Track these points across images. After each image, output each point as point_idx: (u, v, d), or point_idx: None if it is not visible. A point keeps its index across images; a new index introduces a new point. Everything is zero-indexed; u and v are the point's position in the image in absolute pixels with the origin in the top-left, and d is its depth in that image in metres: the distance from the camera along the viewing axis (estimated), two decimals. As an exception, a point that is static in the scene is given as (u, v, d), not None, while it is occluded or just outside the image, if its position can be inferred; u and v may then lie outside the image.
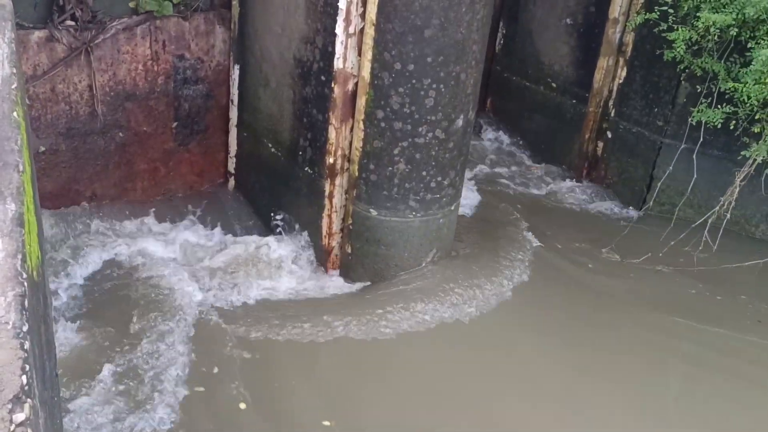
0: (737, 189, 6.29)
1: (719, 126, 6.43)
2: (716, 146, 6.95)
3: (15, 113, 2.78)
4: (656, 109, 7.28)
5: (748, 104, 6.07)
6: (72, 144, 6.25)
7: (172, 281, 5.80)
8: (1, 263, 2.32)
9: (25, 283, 2.34)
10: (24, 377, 2.13)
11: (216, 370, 5.11)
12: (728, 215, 6.33)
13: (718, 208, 6.40)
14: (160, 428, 4.61)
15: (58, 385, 3.74)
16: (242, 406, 4.87)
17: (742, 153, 6.27)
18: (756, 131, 6.23)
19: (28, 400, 2.10)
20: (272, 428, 4.80)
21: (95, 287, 5.83)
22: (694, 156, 6.87)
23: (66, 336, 5.23)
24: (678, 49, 6.36)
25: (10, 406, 2.06)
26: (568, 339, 5.65)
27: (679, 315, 5.96)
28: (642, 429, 4.98)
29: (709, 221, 6.36)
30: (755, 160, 6.15)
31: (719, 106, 6.40)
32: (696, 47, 6.49)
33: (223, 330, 5.45)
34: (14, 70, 2.97)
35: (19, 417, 2.06)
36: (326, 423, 4.80)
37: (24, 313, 2.26)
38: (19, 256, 2.37)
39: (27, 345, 2.20)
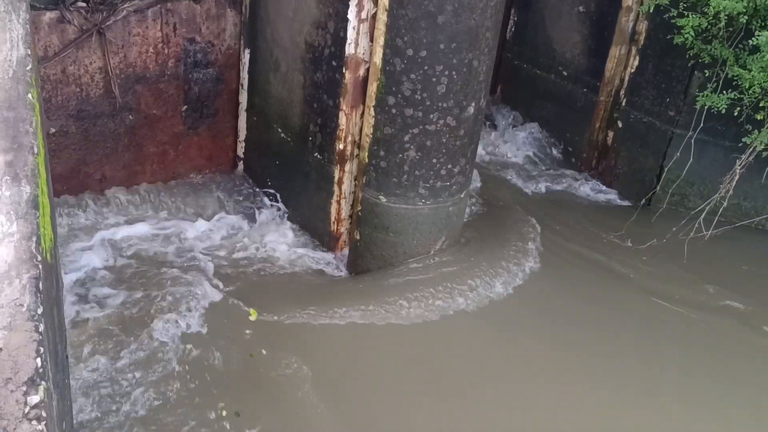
0: (737, 176, 6.27)
1: (723, 112, 6.39)
2: (727, 137, 6.92)
3: (30, 95, 2.77)
4: (668, 99, 7.24)
5: (751, 91, 6.06)
6: (82, 126, 6.24)
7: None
8: (16, 245, 2.33)
9: (40, 266, 2.34)
10: (38, 360, 2.14)
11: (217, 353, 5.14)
12: (725, 203, 6.31)
13: (717, 195, 6.38)
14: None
15: (68, 366, 3.76)
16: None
17: (743, 140, 6.25)
18: (759, 118, 6.20)
19: (42, 382, 2.11)
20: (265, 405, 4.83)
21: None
22: (705, 146, 6.84)
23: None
24: (687, 35, 6.32)
25: (24, 388, 2.07)
26: (581, 327, 5.64)
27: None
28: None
29: (706, 209, 6.34)
30: (755, 147, 6.13)
31: (724, 92, 6.37)
32: (706, 34, 6.44)
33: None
34: (29, 52, 2.96)
35: (34, 399, 2.07)
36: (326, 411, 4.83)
37: (38, 295, 2.27)
38: (34, 239, 2.38)
39: (41, 328, 2.21)
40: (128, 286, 5.64)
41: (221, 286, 5.72)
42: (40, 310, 2.23)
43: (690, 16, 6.31)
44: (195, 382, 4.86)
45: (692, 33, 6.28)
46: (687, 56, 6.69)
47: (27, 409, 2.04)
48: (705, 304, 6.07)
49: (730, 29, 6.30)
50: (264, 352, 5.16)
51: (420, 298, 5.67)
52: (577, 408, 5.00)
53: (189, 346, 5.08)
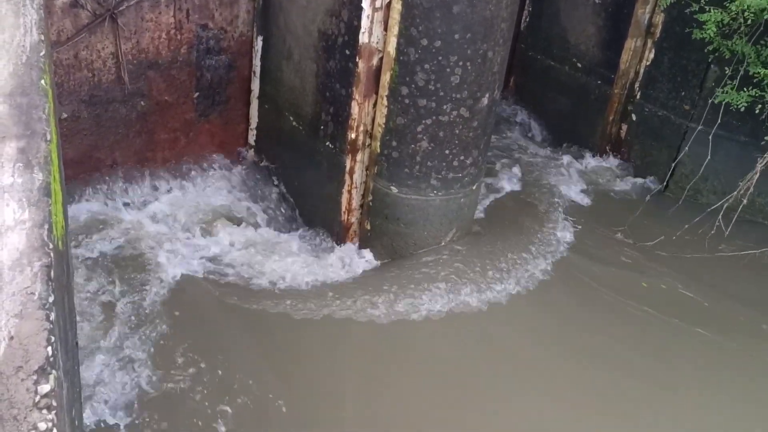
0: (757, 175, 6.20)
1: (743, 109, 6.33)
2: (743, 131, 6.86)
3: (43, 81, 2.75)
4: (683, 93, 7.17)
5: None
6: (94, 111, 6.22)
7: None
8: (28, 233, 2.31)
9: (51, 254, 2.33)
10: (49, 349, 2.13)
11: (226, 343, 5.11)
12: (744, 201, 6.24)
13: (735, 193, 6.31)
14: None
15: (78, 354, 3.76)
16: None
17: (766, 138, 6.18)
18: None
19: (53, 371, 2.10)
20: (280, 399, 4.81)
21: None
22: (720, 141, 6.78)
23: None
24: (709, 31, 6.24)
25: (35, 377, 2.06)
26: (593, 326, 5.59)
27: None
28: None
29: (724, 207, 6.26)
30: None
31: (745, 89, 6.30)
32: (726, 30, 6.37)
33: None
34: (42, 37, 2.94)
35: (44, 388, 2.06)
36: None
37: (50, 283, 2.26)
38: (46, 226, 2.36)
39: (52, 316, 2.20)
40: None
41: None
42: (51, 299, 2.21)
43: (712, 11, 6.24)
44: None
45: (714, 28, 6.21)
46: (705, 51, 6.62)
47: (37, 398, 2.03)
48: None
49: (749, 24, 6.22)
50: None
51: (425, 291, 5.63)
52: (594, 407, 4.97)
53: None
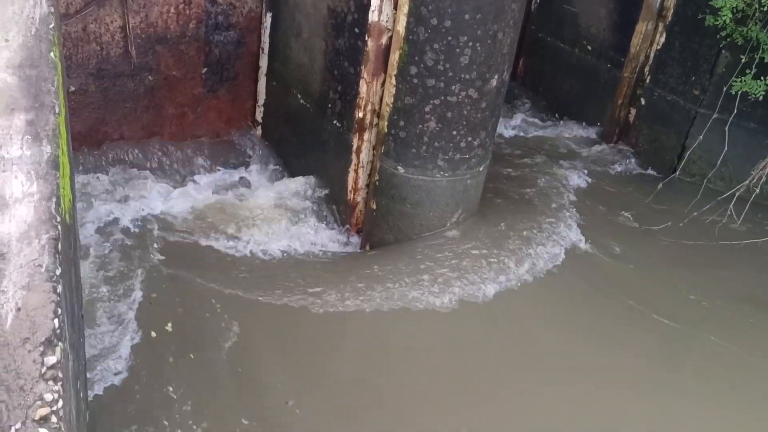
0: None
1: (761, 98, 6.28)
2: (753, 118, 6.82)
3: (52, 53, 2.74)
4: (693, 78, 7.13)
5: None
6: (102, 85, 6.22)
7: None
8: (36, 206, 2.32)
9: (59, 227, 2.34)
10: (56, 321, 2.14)
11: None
12: (757, 189, 6.21)
13: (748, 181, 6.28)
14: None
15: (83, 327, 3.78)
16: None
17: None
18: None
19: (59, 343, 2.12)
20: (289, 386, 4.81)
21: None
22: (730, 127, 6.74)
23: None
24: (724, 17, 6.19)
25: (42, 348, 2.08)
26: (599, 313, 5.59)
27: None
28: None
29: (736, 195, 6.22)
30: None
31: (762, 78, 6.25)
32: (740, 15, 6.32)
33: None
34: (51, 9, 2.93)
35: (51, 360, 2.08)
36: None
37: (57, 256, 2.27)
38: (54, 199, 2.37)
39: (59, 288, 2.21)
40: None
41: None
42: (58, 271, 2.23)
43: None
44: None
45: (729, 15, 6.16)
46: (717, 36, 6.56)
47: (44, 369, 2.04)
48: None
49: (764, 10, 6.17)
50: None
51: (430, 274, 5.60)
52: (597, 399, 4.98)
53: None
